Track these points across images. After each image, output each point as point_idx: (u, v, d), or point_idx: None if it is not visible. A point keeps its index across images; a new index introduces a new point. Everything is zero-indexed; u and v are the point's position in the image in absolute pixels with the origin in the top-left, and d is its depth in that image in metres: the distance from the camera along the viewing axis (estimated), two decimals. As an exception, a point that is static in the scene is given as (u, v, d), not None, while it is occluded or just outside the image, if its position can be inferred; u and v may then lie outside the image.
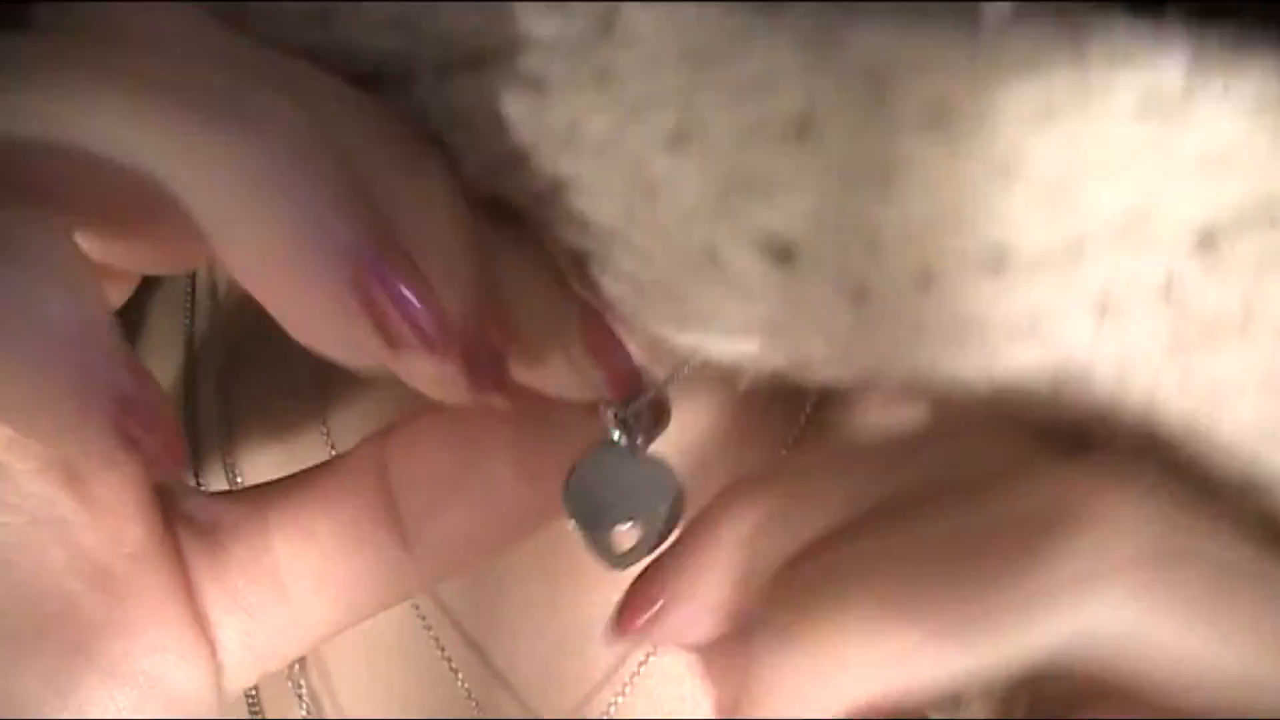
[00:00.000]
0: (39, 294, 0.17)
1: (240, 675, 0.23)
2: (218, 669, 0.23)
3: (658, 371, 0.23)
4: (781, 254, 0.20)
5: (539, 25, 0.20)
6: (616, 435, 0.23)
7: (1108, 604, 0.19)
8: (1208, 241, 0.19)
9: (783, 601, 0.20)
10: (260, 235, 0.18)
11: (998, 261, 0.19)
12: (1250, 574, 0.19)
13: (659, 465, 0.24)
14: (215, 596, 0.23)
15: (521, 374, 0.22)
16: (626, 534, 0.24)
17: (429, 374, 0.20)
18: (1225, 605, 0.19)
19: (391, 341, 0.19)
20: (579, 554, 0.24)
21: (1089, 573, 0.19)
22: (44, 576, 0.21)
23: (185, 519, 0.23)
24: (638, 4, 0.20)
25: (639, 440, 0.23)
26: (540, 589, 0.31)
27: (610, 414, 0.23)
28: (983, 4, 0.18)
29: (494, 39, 0.20)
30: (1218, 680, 0.19)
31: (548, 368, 0.22)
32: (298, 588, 0.23)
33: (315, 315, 0.19)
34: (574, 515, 0.24)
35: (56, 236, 0.18)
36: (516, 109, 0.20)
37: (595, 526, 0.24)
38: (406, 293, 0.19)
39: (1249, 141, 0.18)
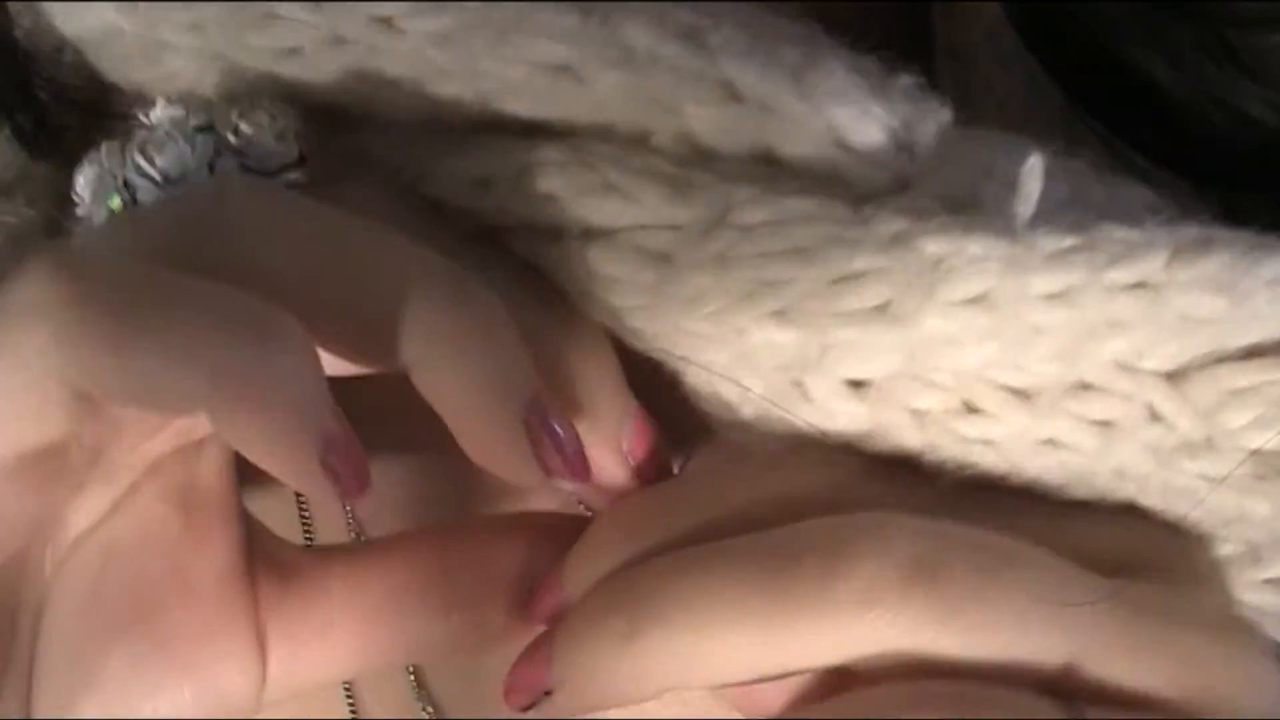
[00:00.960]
0: (279, 361, 0.22)
1: (277, 690, 0.27)
2: (262, 681, 0.27)
3: None
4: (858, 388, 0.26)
5: (666, 211, 0.26)
6: None
7: (884, 619, 0.23)
8: (1177, 378, 0.26)
9: (618, 602, 0.25)
10: (461, 379, 0.24)
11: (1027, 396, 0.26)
12: (1006, 563, 0.24)
13: None
14: (274, 624, 0.27)
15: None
16: None
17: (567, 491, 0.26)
18: (976, 603, 0.23)
19: (544, 468, 0.25)
20: None
21: (866, 595, 0.23)
22: (143, 580, 0.26)
23: (265, 555, 0.27)
24: (749, 201, 0.25)
25: None
26: None
27: None
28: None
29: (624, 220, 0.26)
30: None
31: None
32: (341, 631, 0.27)
33: (491, 443, 0.24)
34: None
35: (293, 323, 0.23)
36: (644, 276, 0.26)
37: None
38: (558, 429, 0.25)
39: (1211, 305, 0.25)
